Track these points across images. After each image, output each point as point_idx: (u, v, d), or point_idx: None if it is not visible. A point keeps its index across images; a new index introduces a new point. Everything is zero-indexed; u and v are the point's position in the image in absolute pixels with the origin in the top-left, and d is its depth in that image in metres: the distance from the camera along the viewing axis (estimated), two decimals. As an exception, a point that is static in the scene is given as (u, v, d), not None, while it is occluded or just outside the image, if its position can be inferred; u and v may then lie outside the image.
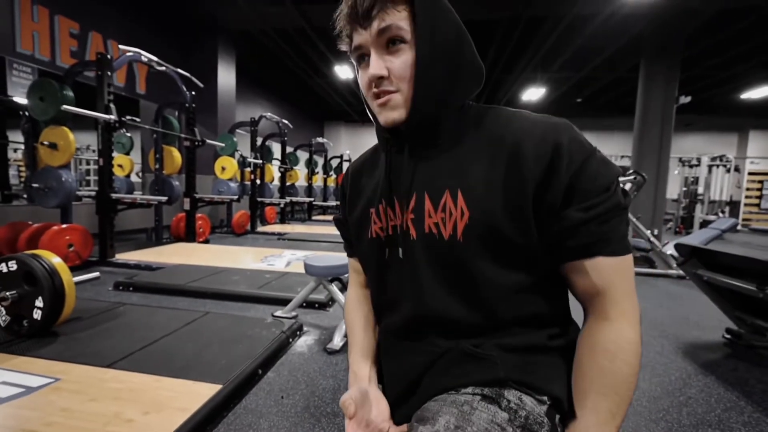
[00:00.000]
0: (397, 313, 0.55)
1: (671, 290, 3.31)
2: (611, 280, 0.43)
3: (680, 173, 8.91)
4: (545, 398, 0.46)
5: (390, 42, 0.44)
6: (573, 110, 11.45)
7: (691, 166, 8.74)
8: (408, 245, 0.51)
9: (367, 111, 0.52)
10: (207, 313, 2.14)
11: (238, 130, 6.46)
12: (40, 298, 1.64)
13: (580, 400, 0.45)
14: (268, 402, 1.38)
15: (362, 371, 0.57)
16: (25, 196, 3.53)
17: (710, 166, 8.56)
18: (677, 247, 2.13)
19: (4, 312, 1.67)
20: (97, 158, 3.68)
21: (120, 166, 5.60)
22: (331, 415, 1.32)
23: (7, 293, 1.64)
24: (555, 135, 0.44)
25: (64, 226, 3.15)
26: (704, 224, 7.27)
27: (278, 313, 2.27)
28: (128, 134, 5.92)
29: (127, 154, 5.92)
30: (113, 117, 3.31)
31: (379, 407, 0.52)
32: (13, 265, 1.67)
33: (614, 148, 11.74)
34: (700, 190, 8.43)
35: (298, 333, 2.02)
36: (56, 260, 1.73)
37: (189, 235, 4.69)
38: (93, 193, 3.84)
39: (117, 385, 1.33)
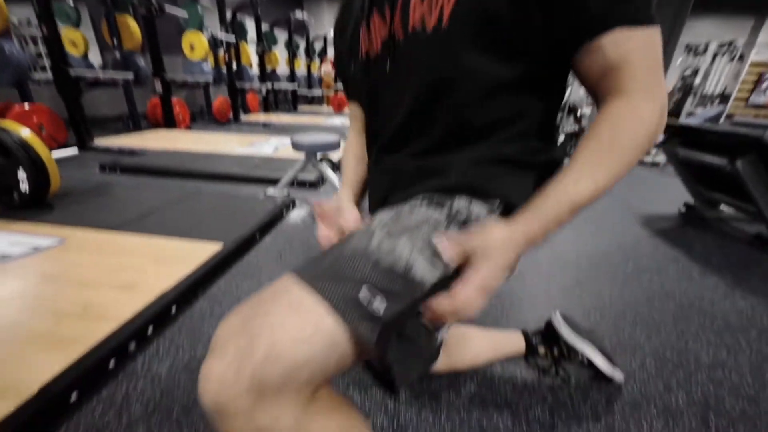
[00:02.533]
0: (382, 134, 0.54)
1: (643, 175, 3.47)
2: (631, 54, 0.37)
3: (681, 63, 8.30)
4: (497, 203, 0.45)
5: None
6: None
7: (696, 54, 8.08)
8: (395, 56, 0.47)
9: None
10: (199, 192, 2.18)
11: (202, 1, 5.46)
12: (20, 168, 1.61)
13: (564, 169, 0.41)
14: (267, 259, 1.52)
15: (343, 194, 0.60)
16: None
17: (715, 55, 7.93)
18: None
19: (-11, 183, 1.66)
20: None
21: (73, 43, 4.87)
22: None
23: (-15, 165, 1.60)
24: None
25: (26, 105, 2.90)
26: (689, 116, 7.19)
27: (270, 191, 2.32)
28: (71, 4, 4.97)
29: (76, 26, 5.08)
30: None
31: (351, 215, 0.53)
32: (-20, 136, 1.59)
33: None
34: (697, 81, 8.00)
35: (291, 207, 2.10)
36: (24, 131, 1.64)
37: (168, 121, 4.43)
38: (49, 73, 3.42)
39: (123, 244, 1.43)
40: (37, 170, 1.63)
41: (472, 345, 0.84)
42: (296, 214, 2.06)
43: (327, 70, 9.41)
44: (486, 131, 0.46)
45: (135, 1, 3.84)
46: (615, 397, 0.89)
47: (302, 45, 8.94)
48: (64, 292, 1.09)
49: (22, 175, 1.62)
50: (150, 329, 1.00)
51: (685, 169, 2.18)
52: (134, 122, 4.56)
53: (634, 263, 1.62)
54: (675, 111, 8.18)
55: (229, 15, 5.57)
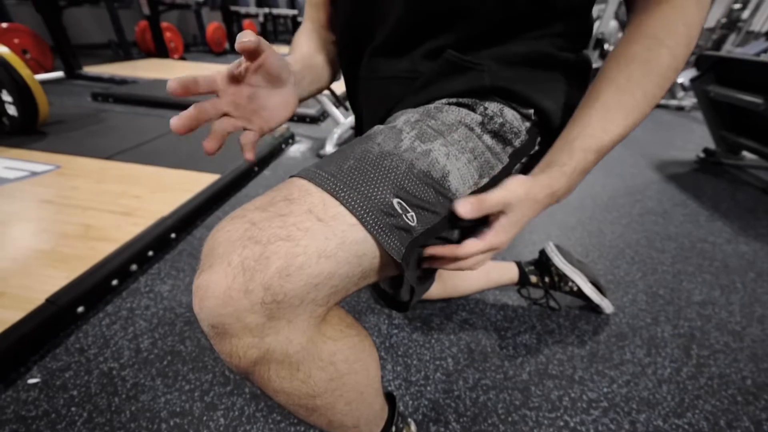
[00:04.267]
0: (380, 31, 0.44)
1: (665, 120, 3.24)
2: None
3: None
4: (531, 112, 0.40)
5: None
6: None
7: None
8: None
9: None
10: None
11: None
12: (3, 91, 1.53)
13: (588, 102, 0.36)
14: (267, 190, 1.51)
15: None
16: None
17: None
18: (700, 58, 1.94)
19: (-25, 106, 1.59)
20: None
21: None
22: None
23: (-33, 86, 1.52)
24: None
25: (5, 24, 2.69)
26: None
27: (269, 125, 2.22)
28: None
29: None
30: None
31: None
32: (-45, 53, 1.48)
33: None
34: (746, 15, 7.11)
35: (290, 141, 2.03)
36: (2, 48, 1.53)
37: (159, 49, 4.14)
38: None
39: (119, 172, 1.40)
40: (22, 92, 1.55)
41: (466, 274, 0.85)
42: (296, 148, 1.99)
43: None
44: (516, 31, 0.39)
45: None
46: (602, 327, 0.92)
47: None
48: (64, 214, 1.09)
49: (7, 98, 1.55)
50: (150, 252, 1.02)
51: (713, 110, 2.03)
52: (124, 50, 4.27)
53: (640, 206, 1.58)
54: (716, 46, 7.42)
55: None
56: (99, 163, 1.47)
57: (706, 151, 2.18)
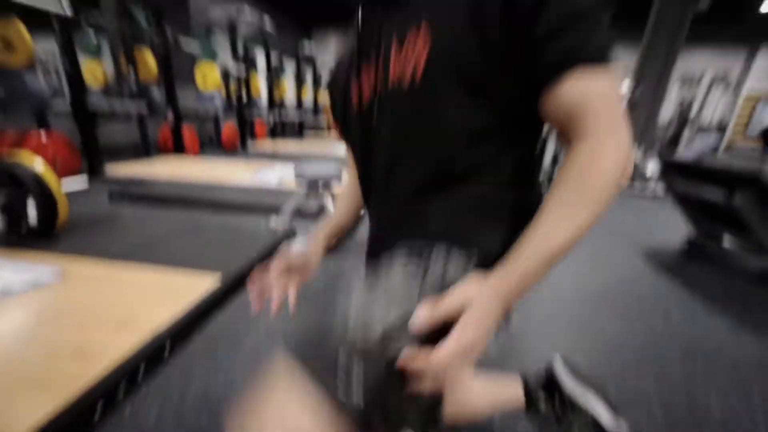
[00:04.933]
0: (372, 180, 0.55)
1: (644, 207, 3.45)
2: (590, 96, 0.37)
3: (678, 94, 8.54)
4: (474, 251, 0.45)
5: None
6: None
7: (691, 85, 8.32)
8: (380, 109, 0.49)
9: None
10: (203, 221, 2.21)
11: (216, 35, 5.77)
12: (30, 199, 1.65)
13: (539, 215, 0.40)
14: (265, 292, 1.52)
15: (318, 235, 0.65)
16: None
17: (710, 86, 8.13)
18: (660, 158, 2.16)
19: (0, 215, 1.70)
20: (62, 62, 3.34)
21: (93, 75, 5.13)
22: (328, 305, 1.46)
23: (-3, 197, 1.66)
24: None
25: (44, 134, 3.03)
26: (689, 144, 7.26)
27: (272, 221, 2.34)
28: (93, 38, 5.28)
29: (96, 57, 5.37)
30: (67, 12, 2.90)
31: (309, 266, 0.61)
32: (-6, 169, 1.65)
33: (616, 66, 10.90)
34: (693, 113, 8.18)
35: (291, 237, 2.11)
36: (38, 164, 1.70)
37: (178, 149, 4.57)
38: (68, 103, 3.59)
39: (122, 276, 1.43)
40: (47, 203, 1.67)
41: (470, 397, 0.81)
42: (296, 246, 2.06)
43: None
44: (464, 178, 0.46)
45: (152, 36, 4.07)
46: (620, 454, 0.84)
47: (310, 73, 9.31)
48: (59, 332, 1.08)
49: (32, 206, 1.67)
50: (141, 370, 0.98)
51: (684, 203, 2.17)
52: (146, 150, 4.71)
53: (636, 301, 1.58)
54: (673, 140, 8.29)
55: (240, 47, 5.85)
56: (103, 265, 1.51)
57: (689, 242, 2.24)
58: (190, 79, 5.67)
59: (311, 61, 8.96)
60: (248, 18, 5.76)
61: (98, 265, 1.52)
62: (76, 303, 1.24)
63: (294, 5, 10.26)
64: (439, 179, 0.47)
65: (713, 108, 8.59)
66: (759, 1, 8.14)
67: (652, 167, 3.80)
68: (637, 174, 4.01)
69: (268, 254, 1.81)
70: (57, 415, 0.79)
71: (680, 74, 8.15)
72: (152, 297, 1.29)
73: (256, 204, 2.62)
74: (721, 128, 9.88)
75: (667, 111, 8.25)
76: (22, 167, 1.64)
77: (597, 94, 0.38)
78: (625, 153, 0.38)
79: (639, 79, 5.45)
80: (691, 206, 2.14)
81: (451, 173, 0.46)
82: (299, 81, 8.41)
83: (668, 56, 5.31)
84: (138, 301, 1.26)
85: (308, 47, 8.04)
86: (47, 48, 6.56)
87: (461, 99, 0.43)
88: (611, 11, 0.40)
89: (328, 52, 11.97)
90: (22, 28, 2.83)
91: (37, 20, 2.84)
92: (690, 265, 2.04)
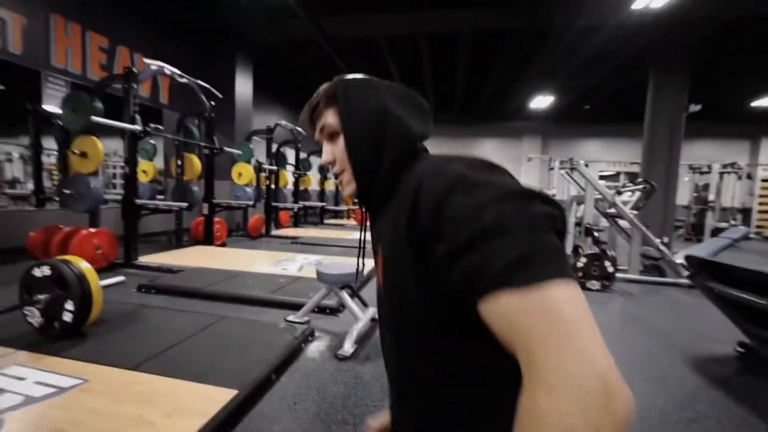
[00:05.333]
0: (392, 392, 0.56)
1: (681, 300, 3.23)
2: (517, 325, 0.29)
3: (690, 180, 8.75)
4: None
5: (329, 135, 0.56)
6: (581, 117, 11.36)
7: (702, 173, 8.57)
8: (380, 304, 0.56)
9: None
10: (223, 318, 2.22)
11: (254, 138, 6.64)
12: (70, 301, 1.75)
13: None
14: (281, 407, 1.44)
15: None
16: (57, 199, 3.74)
17: (721, 174, 8.34)
18: (687, 259, 2.10)
19: (38, 314, 1.79)
20: (123, 164, 3.87)
21: (144, 171, 5.84)
22: (341, 423, 1.36)
23: (41, 296, 1.77)
24: (418, 178, 0.41)
25: (93, 230, 3.33)
26: (716, 232, 7.05)
27: (291, 317, 2.33)
28: (152, 141, 6.18)
29: (151, 160, 6.17)
30: (138, 127, 3.48)
31: None
32: (46, 270, 1.79)
33: (623, 155, 11.49)
34: (711, 197, 8.25)
35: (309, 338, 2.07)
36: (85, 265, 1.85)
37: (207, 238, 4.85)
38: (119, 197, 4.03)
39: (140, 387, 1.41)
40: (85, 303, 1.76)
41: None
42: (315, 347, 2.01)
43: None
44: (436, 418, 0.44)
45: (203, 145, 4.71)
46: None
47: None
48: (70, 454, 1.04)
49: (69, 307, 1.76)
50: None
51: (725, 306, 2.03)
52: (177, 239, 5.03)
53: (695, 424, 1.39)
54: (698, 224, 8.19)
55: (274, 147, 6.63)
56: (124, 375, 1.50)
57: (742, 345, 2.06)
58: (227, 175, 6.32)
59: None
60: (283, 126, 6.65)
61: (119, 374, 1.51)
62: (94, 417, 1.21)
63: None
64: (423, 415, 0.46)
65: (731, 192, 8.64)
66: (749, 98, 8.85)
67: (681, 254, 3.68)
68: (668, 263, 3.87)
69: (286, 360, 1.76)
70: None
71: (690, 162, 8.50)
72: (168, 414, 1.25)
73: (276, 299, 2.65)
74: (745, 211, 9.77)
75: (685, 195, 8.34)
76: (70, 270, 1.78)
77: (525, 323, 0.29)
78: (562, 399, 0.26)
79: (647, 169, 5.71)
80: (731, 308, 2.00)
81: (428, 419, 0.45)
82: (323, 173, 9.22)
83: (671, 149, 5.64)
84: (154, 419, 1.22)
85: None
86: (109, 148, 7.57)
87: (425, 342, 0.43)
88: (543, 219, 0.33)
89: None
90: (98, 143, 3.38)
91: (106, 129, 3.38)
92: (748, 377, 1.81)
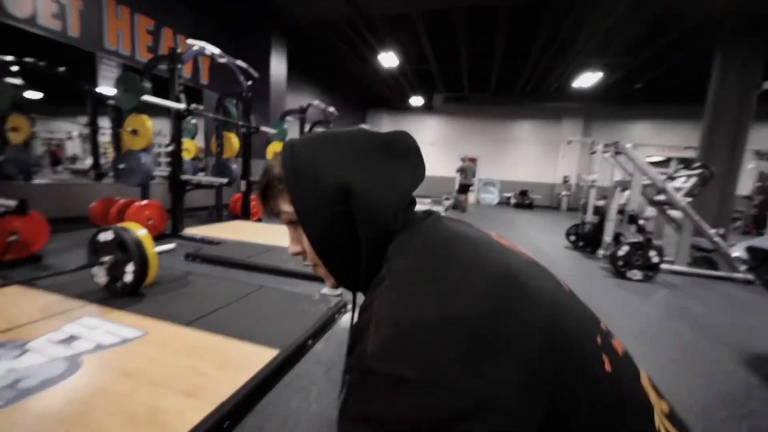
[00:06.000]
0: None
1: (735, 295, 2.99)
2: None
3: (756, 167, 7.86)
4: None
5: (289, 222, 0.50)
6: (629, 97, 10.28)
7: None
8: None
9: None
10: (262, 287, 2.36)
11: (288, 118, 6.77)
12: (131, 263, 1.92)
13: None
14: (318, 371, 1.52)
15: None
16: (111, 174, 4.05)
17: None
18: (750, 250, 1.93)
19: (104, 273, 1.98)
20: (168, 143, 4.10)
21: (186, 149, 6.16)
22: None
23: (106, 257, 1.96)
24: (371, 316, 0.37)
25: (144, 202, 3.59)
26: None
27: (324, 290, 2.43)
28: (194, 121, 6.47)
29: (193, 138, 6.48)
30: (183, 106, 3.66)
31: None
32: (110, 235, 1.98)
33: (675, 138, 10.50)
34: None
35: (342, 310, 2.15)
36: (142, 232, 2.01)
37: (245, 213, 5.09)
38: (165, 174, 4.31)
39: (193, 341, 1.55)
40: (143, 266, 1.93)
41: None
42: (347, 318, 2.09)
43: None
44: None
45: (241, 124, 4.87)
46: None
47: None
48: (138, 392, 1.18)
49: (130, 268, 1.93)
50: (203, 447, 1.01)
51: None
52: (218, 214, 5.31)
53: (746, 422, 1.32)
54: (760, 215, 7.46)
55: (307, 127, 6.73)
56: (178, 330, 1.65)
57: (803, 344, 1.90)
58: (263, 154, 6.53)
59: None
60: (315, 106, 6.71)
61: (174, 329, 1.66)
62: (154, 364, 1.35)
63: (354, 94, 11.82)
64: None
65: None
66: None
67: (740, 246, 3.40)
68: (722, 256, 3.59)
69: (321, 328, 1.85)
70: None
71: (757, 148, 7.63)
72: (219, 367, 1.37)
73: (311, 272, 2.75)
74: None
75: (748, 183, 7.54)
76: (129, 233, 1.95)
77: None
78: None
79: (706, 154, 5.22)
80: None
81: None
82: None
83: (737, 132, 5.10)
84: (206, 370, 1.34)
85: (365, 126, 8.96)
86: (156, 127, 8.00)
87: None
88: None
89: (380, 128, 13.16)
90: (148, 121, 3.59)
91: (153, 109, 3.58)
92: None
